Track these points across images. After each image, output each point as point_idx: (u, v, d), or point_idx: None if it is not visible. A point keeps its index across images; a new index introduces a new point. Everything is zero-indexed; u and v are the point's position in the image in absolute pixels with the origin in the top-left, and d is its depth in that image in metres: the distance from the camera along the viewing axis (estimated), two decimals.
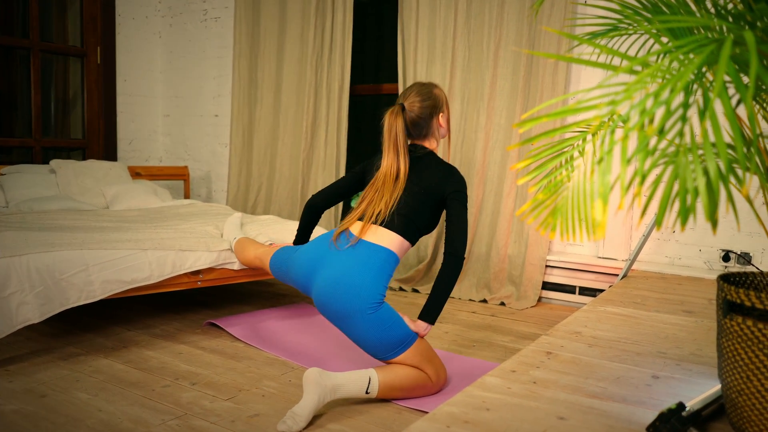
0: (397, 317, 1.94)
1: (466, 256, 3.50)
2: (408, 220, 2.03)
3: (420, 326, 1.97)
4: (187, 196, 4.66)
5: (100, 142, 4.70)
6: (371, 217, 2.02)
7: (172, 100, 5.04)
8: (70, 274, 2.21)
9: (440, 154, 2.91)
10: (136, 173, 4.41)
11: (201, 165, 4.90)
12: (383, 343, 1.90)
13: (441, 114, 2.17)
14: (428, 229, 2.12)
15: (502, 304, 3.35)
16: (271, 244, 2.73)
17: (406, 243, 2.04)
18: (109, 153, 4.75)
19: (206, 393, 1.98)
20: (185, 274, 2.53)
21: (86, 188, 3.80)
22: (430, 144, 2.19)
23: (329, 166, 4.02)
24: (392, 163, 2.06)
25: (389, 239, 2.00)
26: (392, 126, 2.07)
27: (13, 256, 2.13)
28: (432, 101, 2.13)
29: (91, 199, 3.75)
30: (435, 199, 2.07)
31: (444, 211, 2.10)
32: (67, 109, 4.85)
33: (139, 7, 4.88)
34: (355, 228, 2.05)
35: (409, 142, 2.19)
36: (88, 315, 2.83)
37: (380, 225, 2.02)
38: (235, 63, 4.41)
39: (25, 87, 4.51)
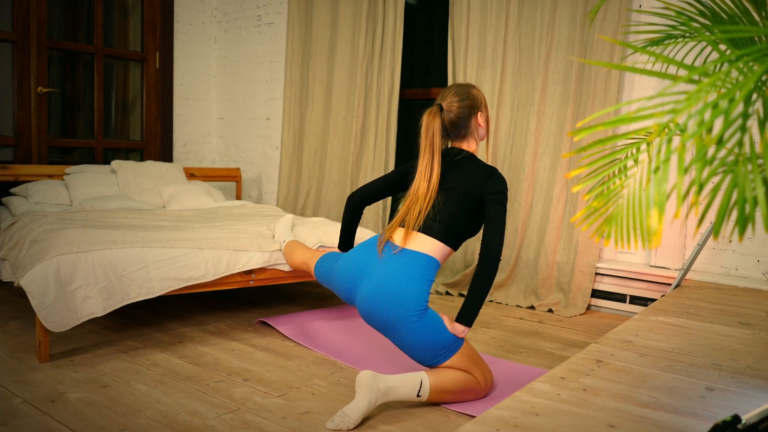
0: (442, 322, 1.94)
1: (509, 260, 3.50)
2: (448, 227, 2.02)
3: (457, 328, 1.94)
4: (238, 197, 4.79)
5: (157, 144, 4.88)
6: (410, 224, 2.02)
7: (225, 103, 5.19)
8: (132, 270, 2.31)
9: (480, 156, 2.88)
10: (190, 174, 4.55)
11: (252, 167, 5.02)
12: (430, 349, 1.91)
13: (479, 113, 2.15)
14: (470, 234, 2.10)
15: (550, 311, 3.32)
16: (319, 247, 2.78)
17: (448, 249, 2.04)
18: (166, 154, 4.92)
19: (258, 389, 2.04)
20: (238, 274, 2.60)
21: (144, 188, 3.95)
22: (469, 145, 2.17)
23: (378, 169, 4.07)
24: (427, 165, 2.05)
25: (430, 246, 2.00)
26: (429, 126, 2.06)
27: (80, 252, 2.24)
28: (470, 101, 2.12)
29: (149, 198, 3.90)
30: (474, 202, 2.04)
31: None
32: (126, 111, 5.05)
33: (196, 13, 5.04)
34: (397, 236, 2.04)
35: (449, 145, 2.18)
36: (145, 310, 2.95)
37: (419, 232, 2.02)
38: (287, 67, 4.50)
39: (89, 90, 4.72)
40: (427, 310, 1.93)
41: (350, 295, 2.09)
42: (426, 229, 2.02)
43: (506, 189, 2.05)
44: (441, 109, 2.10)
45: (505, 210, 2.02)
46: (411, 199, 2.06)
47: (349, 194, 2.35)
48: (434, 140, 2.05)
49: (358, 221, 2.36)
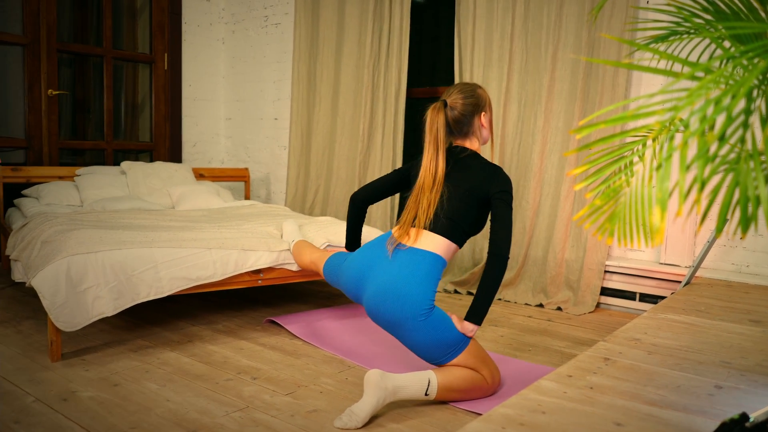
0: (448, 320, 1.94)
1: (518, 258, 3.50)
2: (453, 223, 2.02)
3: (467, 327, 1.95)
4: (247, 197, 4.81)
5: (166, 145, 4.91)
6: (419, 222, 2.02)
7: (233, 103, 5.21)
8: (141, 270, 2.33)
9: (486, 157, 2.88)
10: (199, 174, 4.58)
11: (260, 167, 5.04)
12: (437, 348, 1.92)
13: (483, 113, 2.15)
14: (475, 231, 2.10)
15: (559, 309, 3.31)
16: (327, 247, 2.79)
17: (453, 245, 2.03)
18: (175, 155, 4.95)
19: (267, 387, 2.05)
20: (246, 273, 2.62)
21: (154, 189, 3.98)
22: (471, 144, 2.16)
23: (385, 168, 4.07)
24: (431, 159, 2.05)
25: (435, 243, 2.00)
26: (434, 122, 2.06)
27: (90, 252, 2.26)
28: (475, 99, 2.13)
29: (159, 199, 3.92)
30: (479, 199, 2.04)
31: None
32: (136, 112, 5.08)
33: (203, 14, 5.07)
34: (404, 235, 2.04)
35: (453, 144, 2.18)
36: (155, 310, 2.97)
37: (425, 229, 2.02)
38: (295, 67, 4.52)
39: (98, 92, 4.76)
40: (434, 309, 1.93)
41: (357, 294, 2.10)
42: (432, 226, 2.02)
43: (511, 189, 2.06)
44: (445, 104, 2.11)
45: (511, 208, 2.02)
46: (417, 194, 2.07)
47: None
48: (438, 135, 2.05)
49: (363, 220, 2.38)
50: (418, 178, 2.08)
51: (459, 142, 2.17)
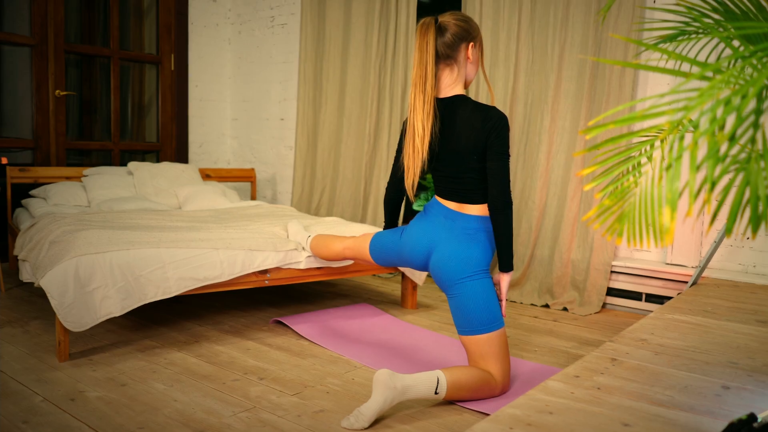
0: (495, 296, 2.05)
1: (524, 258, 3.49)
2: (479, 191, 2.07)
3: (502, 276, 2.11)
4: (253, 198, 4.82)
5: (173, 145, 4.92)
6: (451, 191, 2.09)
7: (240, 104, 5.22)
8: (149, 270, 2.33)
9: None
10: (206, 175, 4.59)
11: (267, 167, 5.05)
12: (480, 312, 1.99)
13: (472, 44, 2.08)
14: None
15: (565, 309, 3.31)
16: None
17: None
18: (181, 155, 4.96)
19: (273, 388, 2.06)
20: (253, 273, 2.62)
21: (161, 189, 3.99)
22: (452, 73, 2.07)
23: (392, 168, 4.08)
24: (421, 76, 1.99)
25: (479, 209, 2.09)
26: (423, 40, 2.00)
27: (98, 253, 2.27)
28: (467, 24, 2.06)
29: (165, 199, 3.93)
30: (480, 154, 2.03)
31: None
32: (142, 113, 5.10)
33: (210, 15, 5.08)
34: (450, 203, 2.11)
35: (436, 93, 2.10)
36: (162, 310, 2.98)
37: (464, 203, 2.08)
38: (301, 68, 4.53)
39: (105, 93, 4.78)
40: (488, 275, 2.07)
41: (424, 262, 2.17)
42: (469, 199, 2.08)
43: (506, 130, 2.01)
44: (436, 21, 2.04)
45: (508, 155, 2.03)
46: (411, 132, 2.04)
47: (382, 194, 2.35)
48: (427, 56, 1.99)
49: (399, 208, 2.39)
50: (409, 102, 2.04)
51: (441, 67, 2.07)
